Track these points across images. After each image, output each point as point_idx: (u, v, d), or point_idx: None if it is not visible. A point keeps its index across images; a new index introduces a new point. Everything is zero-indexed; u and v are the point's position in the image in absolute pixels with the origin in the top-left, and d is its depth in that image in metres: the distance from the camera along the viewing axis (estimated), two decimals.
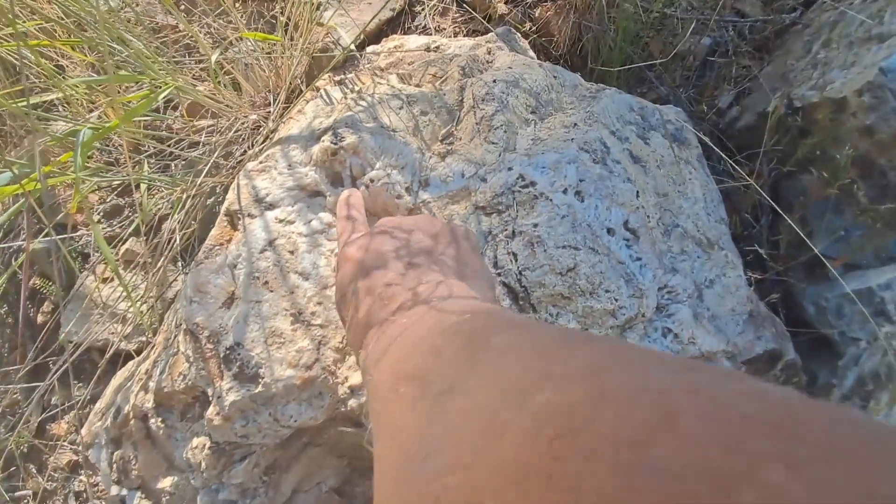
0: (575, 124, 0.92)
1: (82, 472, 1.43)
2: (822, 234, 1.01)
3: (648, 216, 0.87)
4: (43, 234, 1.38)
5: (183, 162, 1.35)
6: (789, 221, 0.90)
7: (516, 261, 0.78)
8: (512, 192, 0.82)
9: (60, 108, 1.55)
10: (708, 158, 1.18)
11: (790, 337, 0.91)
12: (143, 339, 1.30)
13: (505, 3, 1.49)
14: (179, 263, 1.35)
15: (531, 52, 1.31)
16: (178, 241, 1.18)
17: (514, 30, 1.32)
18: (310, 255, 0.84)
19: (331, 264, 0.83)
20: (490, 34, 1.24)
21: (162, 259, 1.26)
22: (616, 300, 0.76)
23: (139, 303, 1.26)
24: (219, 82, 1.21)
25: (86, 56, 1.22)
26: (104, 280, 1.38)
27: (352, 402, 0.79)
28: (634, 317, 0.77)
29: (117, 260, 1.38)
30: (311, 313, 0.80)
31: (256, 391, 0.76)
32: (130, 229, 1.37)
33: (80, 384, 1.45)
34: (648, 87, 1.34)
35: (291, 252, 0.83)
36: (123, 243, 1.40)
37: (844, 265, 0.98)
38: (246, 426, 0.76)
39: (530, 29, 1.47)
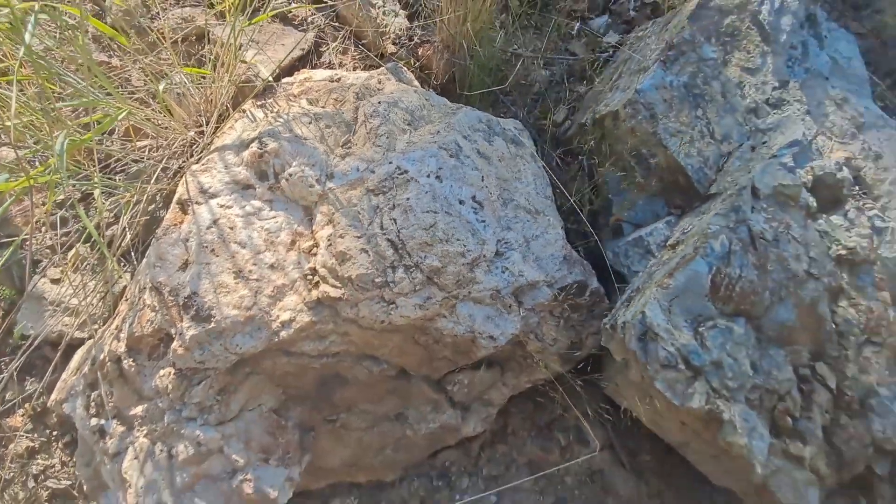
0: (438, 131, 1.29)
1: (39, 456, 1.58)
2: (617, 204, 1.44)
3: (490, 193, 1.24)
4: None
5: (125, 175, 1.58)
6: (609, 198, 1.31)
7: (396, 223, 1.12)
8: (392, 179, 1.17)
9: (2, 136, 1.73)
10: (545, 156, 1.60)
11: (595, 273, 1.31)
12: (96, 327, 1.51)
13: (393, 44, 1.87)
14: (125, 266, 1.57)
15: (416, 82, 1.68)
16: (128, 238, 1.42)
17: (401, 65, 1.69)
18: (245, 230, 1.13)
19: (261, 237, 1.13)
20: (381, 68, 1.60)
21: (112, 257, 1.49)
22: (465, 245, 1.12)
23: (91, 296, 1.47)
24: (152, 109, 1.48)
25: (26, 89, 1.44)
26: (54, 281, 1.57)
27: (283, 334, 1.08)
28: (478, 257, 1.13)
29: (65, 263, 1.58)
30: (249, 271, 1.10)
31: (210, 327, 1.04)
32: (79, 235, 1.57)
33: (33, 379, 1.61)
34: (503, 108, 1.76)
35: (231, 228, 1.12)
36: (70, 249, 1.60)
37: (632, 224, 1.41)
38: (203, 354, 1.04)
39: (415, 64, 1.84)
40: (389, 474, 1.39)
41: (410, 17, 1.92)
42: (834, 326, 1.14)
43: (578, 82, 1.84)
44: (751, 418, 1.02)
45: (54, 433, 1.57)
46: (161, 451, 1.03)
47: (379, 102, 1.32)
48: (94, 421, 1.09)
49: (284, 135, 1.23)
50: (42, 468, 1.55)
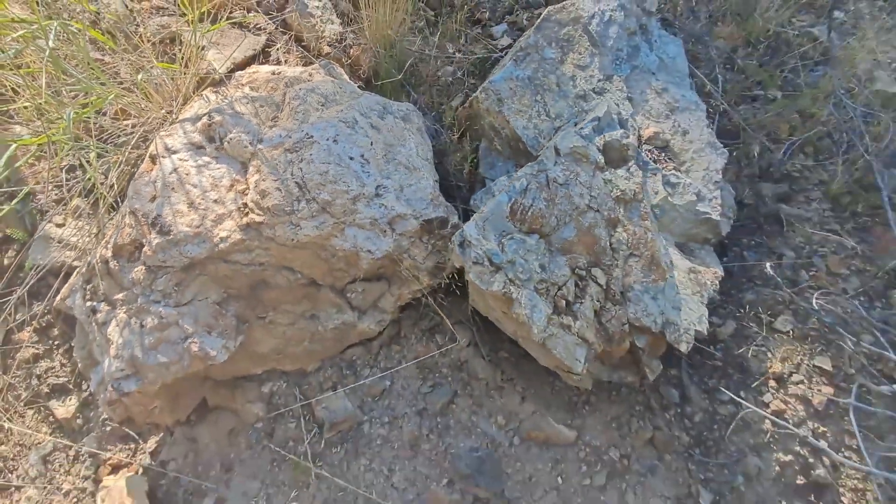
0: (342, 110, 1.78)
1: (42, 361, 2.05)
2: (484, 165, 1.94)
3: (376, 153, 1.73)
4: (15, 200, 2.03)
5: (114, 145, 2.06)
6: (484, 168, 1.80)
7: (301, 171, 1.61)
8: (302, 141, 1.66)
9: (15, 116, 2.21)
10: (440, 131, 2.09)
11: (457, 213, 1.80)
12: (90, 259, 1.99)
13: (328, 45, 2.36)
14: (112, 214, 2.04)
15: (345, 76, 2.17)
16: (115, 190, 1.90)
17: (333, 62, 2.19)
18: (197, 176, 1.62)
19: (209, 181, 1.62)
20: (315, 65, 2.09)
21: (102, 207, 1.97)
22: (349, 186, 1.61)
23: (86, 235, 1.95)
24: (135, 95, 1.96)
25: (36, 79, 1.92)
26: (58, 225, 2.05)
27: (221, 246, 1.57)
28: (359, 195, 1.62)
29: (67, 212, 2.07)
30: (198, 203, 1.58)
31: (169, 238, 1.52)
32: (78, 191, 2.05)
33: (39, 303, 2.08)
34: (408, 96, 2.25)
35: (186, 174, 1.61)
36: (70, 202, 2.08)
37: (492, 180, 1.90)
38: (164, 256, 1.52)
39: (346, 62, 2.33)
40: (309, 364, 1.88)
41: (344, 24, 2.41)
42: (609, 244, 1.63)
43: (476, 76, 2.34)
44: (534, 299, 1.51)
45: (56, 342, 2.05)
46: (135, 322, 1.52)
47: (300, 89, 1.81)
48: (88, 303, 1.57)
49: (228, 111, 1.72)
50: (44, 370, 2.02)
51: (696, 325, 1.66)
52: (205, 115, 1.70)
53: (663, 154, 1.97)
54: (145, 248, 1.51)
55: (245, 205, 1.61)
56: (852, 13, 2.95)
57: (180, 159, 1.63)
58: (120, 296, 1.56)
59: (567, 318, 1.54)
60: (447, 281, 1.87)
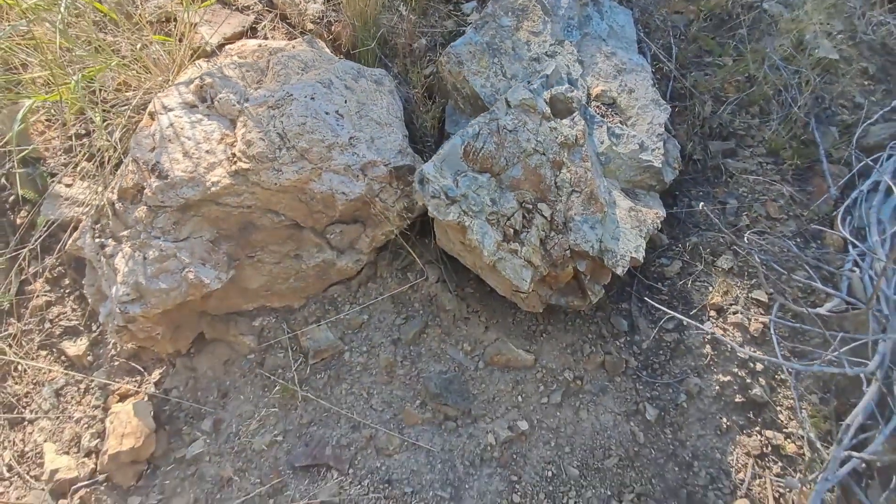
0: (319, 73, 2.00)
1: (54, 307, 2.27)
2: (449, 122, 2.17)
3: (350, 109, 1.96)
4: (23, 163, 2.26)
5: (118, 111, 2.29)
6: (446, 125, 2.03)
7: (282, 124, 1.83)
8: (283, 99, 1.88)
9: (23, 90, 2.43)
10: (409, 98, 2.31)
11: (423, 162, 2.02)
12: (97, 202, 2.20)
13: (312, 22, 2.58)
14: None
15: (326, 49, 2.40)
16: (119, 150, 2.12)
17: (316, 37, 2.41)
18: (191, 130, 1.85)
19: (201, 135, 1.84)
20: (298, 39, 2.31)
21: (108, 166, 2.20)
22: (324, 136, 1.84)
23: (92, 192, 2.18)
24: (135, 69, 2.19)
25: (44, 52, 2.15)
26: (67, 185, 2.28)
27: (213, 189, 1.79)
28: (334, 144, 1.85)
29: (74, 173, 2.29)
30: (192, 152, 1.81)
31: (167, 181, 1.75)
32: (83, 155, 2.28)
33: (50, 256, 2.31)
34: (383, 64, 2.47)
35: (181, 128, 1.84)
36: (77, 166, 2.31)
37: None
38: (163, 197, 1.75)
39: (328, 37, 2.56)
40: (295, 301, 2.11)
41: (325, 3, 2.64)
42: (554, 183, 1.86)
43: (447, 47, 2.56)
44: (485, 227, 1.74)
45: (67, 290, 2.28)
46: (138, 254, 1.75)
47: (282, 55, 2.04)
48: (98, 240, 1.80)
49: (218, 75, 1.95)
50: (56, 314, 2.25)
51: (633, 252, 1.89)
52: (197, 78, 1.93)
53: (610, 110, 2.20)
54: (146, 191, 1.74)
55: (234, 154, 1.84)
56: None
57: (176, 116, 1.86)
58: (125, 232, 1.79)
59: (514, 244, 1.76)
60: (417, 225, 2.09)
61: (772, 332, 1.98)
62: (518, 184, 1.82)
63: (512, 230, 1.77)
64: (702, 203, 2.24)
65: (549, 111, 1.92)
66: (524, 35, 2.17)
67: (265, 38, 2.53)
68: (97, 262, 1.85)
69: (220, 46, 2.31)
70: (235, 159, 1.82)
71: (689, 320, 1.91)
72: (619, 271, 1.84)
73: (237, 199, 1.83)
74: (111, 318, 1.84)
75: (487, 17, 2.16)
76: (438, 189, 1.73)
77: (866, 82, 2.94)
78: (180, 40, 2.21)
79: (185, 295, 1.77)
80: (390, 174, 1.94)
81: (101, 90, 2.32)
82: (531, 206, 1.81)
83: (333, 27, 2.59)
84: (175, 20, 2.43)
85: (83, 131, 2.42)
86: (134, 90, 2.31)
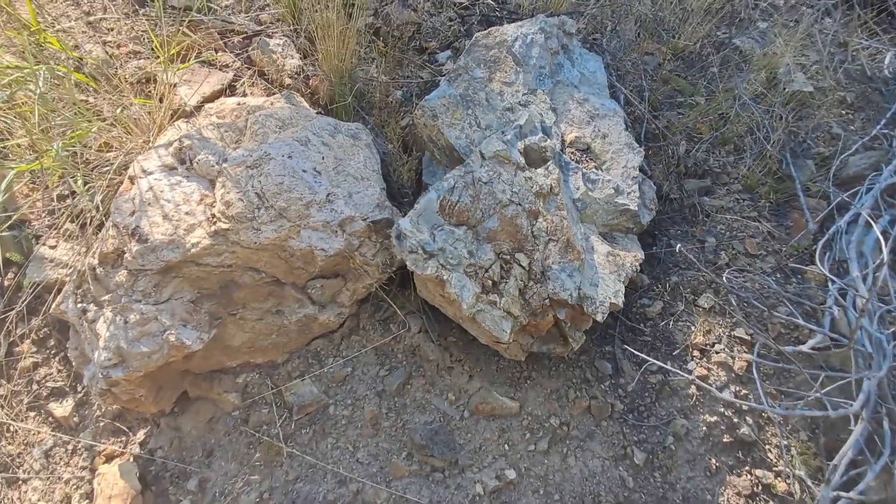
0: (296, 131, 2.04)
1: (41, 368, 2.27)
2: (426, 174, 2.20)
3: (328, 166, 2.00)
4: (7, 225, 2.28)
5: (99, 173, 2.32)
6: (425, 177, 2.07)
7: (260, 183, 1.86)
8: (261, 158, 1.92)
9: (9, 155, 2.46)
10: (387, 150, 2.36)
11: (402, 215, 2.05)
12: (79, 267, 2.22)
13: (289, 77, 2.64)
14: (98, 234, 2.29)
15: (305, 103, 2.45)
16: (101, 212, 2.15)
17: (294, 92, 2.46)
18: (170, 192, 1.87)
19: (181, 197, 1.87)
20: (277, 95, 2.37)
21: (90, 227, 2.22)
22: (302, 195, 1.86)
23: (76, 254, 2.20)
24: (118, 130, 2.23)
25: (28, 118, 2.19)
26: (51, 247, 2.29)
27: (193, 251, 1.81)
28: (311, 202, 1.88)
29: (58, 234, 2.31)
30: (172, 215, 1.83)
31: (147, 245, 1.77)
32: (66, 218, 2.30)
33: (36, 317, 2.31)
34: (360, 118, 2.52)
35: (161, 191, 1.87)
36: (62, 226, 2.33)
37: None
38: (143, 261, 1.77)
39: (307, 91, 2.62)
40: (278, 357, 2.10)
41: (302, 59, 2.70)
42: (531, 232, 1.89)
43: (422, 98, 2.62)
44: (463, 280, 1.75)
45: (52, 351, 2.27)
46: (120, 318, 1.75)
47: (260, 115, 2.08)
48: (80, 305, 1.81)
49: (196, 136, 1.99)
50: (43, 376, 2.24)
51: (612, 298, 1.90)
52: (176, 140, 1.97)
53: (585, 155, 2.24)
54: (126, 255, 1.76)
55: (213, 215, 1.86)
56: (772, 23, 3.28)
57: (155, 179, 1.88)
58: (106, 297, 1.79)
59: (493, 295, 1.78)
60: (398, 276, 2.11)
61: (754, 373, 1.98)
62: (495, 235, 1.84)
63: (490, 281, 1.79)
64: (679, 245, 2.27)
65: (524, 161, 1.96)
66: (497, 86, 2.22)
67: (244, 94, 2.58)
68: (80, 326, 1.85)
69: (200, 105, 2.36)
70: (215, 220, 1.85)
71: (671, 368, 1.92)
72: (600, 318, 1.85)
73: (217, 258, 1.85)
74: (94, 381, 1.84)
75: (460, 70, 2.22)
76: (416, 244, 1.76)
77: (844, 112, 3.02)
78: (161, 101, 2.25)
79: (166, 357, 1.77)
80: (369, 228, 1.97)
81: (83, 152, 2.35)
82: (509, 257, 1.83)
83: (311, 81, 2.65)
84: (155, 80, 2.48)
85: (66, 192, 2.44)
86: (116, 151, 2.34)
